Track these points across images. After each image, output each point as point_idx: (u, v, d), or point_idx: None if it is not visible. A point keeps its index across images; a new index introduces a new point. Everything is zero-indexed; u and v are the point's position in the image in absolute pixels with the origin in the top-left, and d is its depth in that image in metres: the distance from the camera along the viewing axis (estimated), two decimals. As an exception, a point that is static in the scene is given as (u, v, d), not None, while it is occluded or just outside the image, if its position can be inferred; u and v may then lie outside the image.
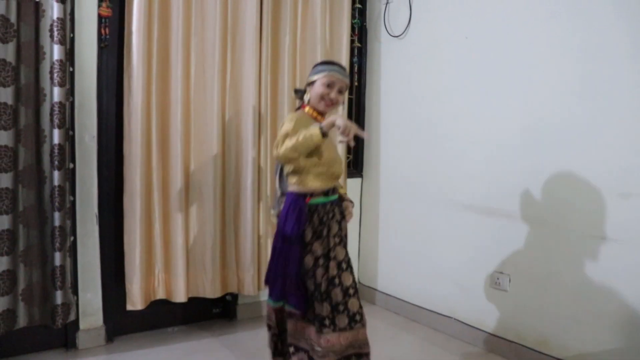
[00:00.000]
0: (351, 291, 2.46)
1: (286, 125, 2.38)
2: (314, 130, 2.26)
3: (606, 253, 2.70)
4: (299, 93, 2.64)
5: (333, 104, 2.49)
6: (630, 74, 2.59)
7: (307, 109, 2.54)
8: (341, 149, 2.70)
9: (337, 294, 2.41)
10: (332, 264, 2.44)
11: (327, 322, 2.40)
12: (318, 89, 2.47)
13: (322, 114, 2.53)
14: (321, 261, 2.43)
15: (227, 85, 3.35)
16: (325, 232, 2.47)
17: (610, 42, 2.66)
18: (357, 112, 4.14)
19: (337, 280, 2.42)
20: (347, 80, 2.52)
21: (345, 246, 2.54)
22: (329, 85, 2.45)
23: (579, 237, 2.80)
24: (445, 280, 3.54)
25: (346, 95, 3.82)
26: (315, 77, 2.49)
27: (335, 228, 2.51)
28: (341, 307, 2.42)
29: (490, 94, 3.22)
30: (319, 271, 2.42)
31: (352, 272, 2.50)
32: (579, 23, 2.78)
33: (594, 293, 2.75)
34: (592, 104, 2.73)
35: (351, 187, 4.09)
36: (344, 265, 2.47)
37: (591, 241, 2.75)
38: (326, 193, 2.51)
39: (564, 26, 2.85)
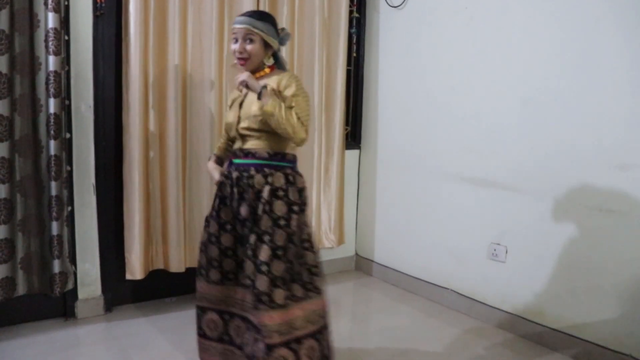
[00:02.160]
0: (215, 263, 2.33)
1: None
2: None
3: (603, 225, 2.71)
4: None
5: (242, 56, 2.23)
6: (629, 46, 2.57)
7: None
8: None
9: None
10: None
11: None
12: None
13: (253, 73, 2.28)
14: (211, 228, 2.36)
15: (225, 55, 3.32)
16: (222, 202, 2.33)
17: (608, 15, 2.64)
18: (356, 83, 4.11)
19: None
20: (246, 26, 2.20)
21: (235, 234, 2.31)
22: (235, 41, 2.23)
23: (576, 209, 2.81)
24: (442, 251, 3.56)
25: (342, 67, 3.83)
26: None
27: (232, 206, 2.29)
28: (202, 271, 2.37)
29: (489, 65, 3.20)
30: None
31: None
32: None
33: (590, 265, 2.77)
34: (592, 76, 2.71)
35: (349, 159, 4.09)
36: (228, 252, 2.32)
37: (588, 213, 2.76)
38: (235, 154, 2.32)
39: (565, -4, 2.82)
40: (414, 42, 3.71)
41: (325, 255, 4.01)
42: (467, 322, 3.29)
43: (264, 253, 2.13)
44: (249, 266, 2.18)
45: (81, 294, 3.12)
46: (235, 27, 2.21)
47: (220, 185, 2.34)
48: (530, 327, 3.04)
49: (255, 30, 2.19)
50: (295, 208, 2.22)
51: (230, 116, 2.33)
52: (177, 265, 3.25)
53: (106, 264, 3.19)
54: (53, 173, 2.78)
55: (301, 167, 2.47)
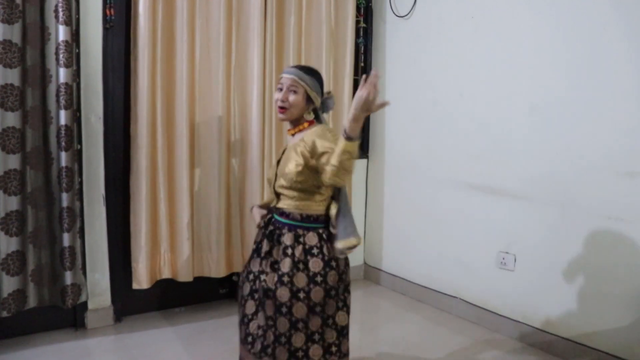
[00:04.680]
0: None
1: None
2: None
3: (612, 233, 2.70)
4: None
5: (283, 104, 2.18)
6: (636, 53, 2.58)
7: None
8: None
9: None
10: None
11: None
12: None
13: (293, 125, 2.27)
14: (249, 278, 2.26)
15: (232, 67, 3.34)
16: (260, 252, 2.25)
17: (616, 23, 2.64)
18: (363, 93, 4.12)
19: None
20: (292, 77, 2.18)
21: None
22: (279, 90, 2.21)
23: (584, 217, 2.81)
24: (450, 260, 3.56)
25: (349, 76, 3.84)
26: None
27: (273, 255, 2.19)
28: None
29: (496, 73, 3.21)
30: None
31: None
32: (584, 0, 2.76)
33: (599, 273, 2.76)
34: (599, 84, 2.72)
35: (357, 169, 4.08)
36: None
37: (597, 221, 2.76)
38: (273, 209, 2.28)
39: (569, 4, 2.82)
40: (420, 51, 3.73)
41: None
42: (476, 331, 3.28)
43: (301, 310, 2.10)
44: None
45: (91, 304, 3.13)
46: (283, 77, 2.20)
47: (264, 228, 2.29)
48: (540, 336, 3.03)
49: (301, 82, 2.17)
50: (333, 264, 2.16)
51: (270, 172, 2.33)
52: (185, 274, 3.25)
53: (115, 274, 3.20)
54: (64, 184, 2.80)
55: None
